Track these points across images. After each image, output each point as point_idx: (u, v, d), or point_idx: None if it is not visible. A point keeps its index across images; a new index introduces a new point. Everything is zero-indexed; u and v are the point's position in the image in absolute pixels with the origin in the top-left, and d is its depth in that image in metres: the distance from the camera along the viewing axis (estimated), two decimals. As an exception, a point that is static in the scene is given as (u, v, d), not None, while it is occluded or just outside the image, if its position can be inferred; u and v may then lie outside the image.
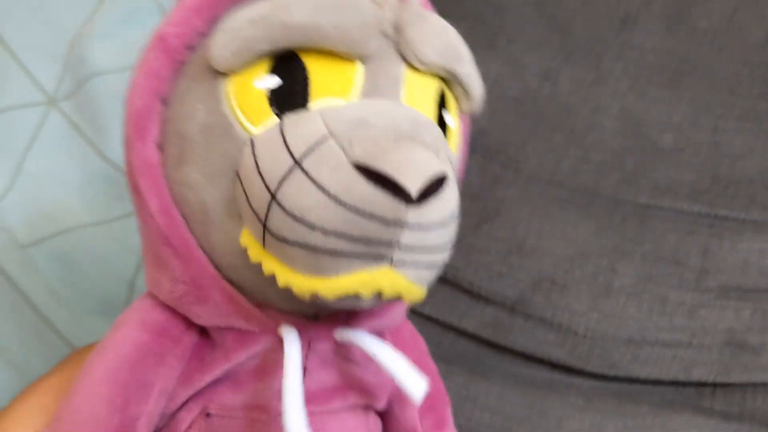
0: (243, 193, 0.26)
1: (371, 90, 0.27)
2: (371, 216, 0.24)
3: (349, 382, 0.31)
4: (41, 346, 0.48)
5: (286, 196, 0.24)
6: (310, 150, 0.24)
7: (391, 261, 0.25)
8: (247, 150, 0.26)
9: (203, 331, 0.30)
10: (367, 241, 0.24)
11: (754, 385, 0.47)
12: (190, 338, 0.29)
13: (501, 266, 0.51)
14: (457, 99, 0.31)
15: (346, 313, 0.30)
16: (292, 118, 0.26)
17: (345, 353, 0.31)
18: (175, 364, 0.29)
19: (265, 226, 0.25)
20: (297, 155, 0.24)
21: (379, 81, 0.27)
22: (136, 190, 0.29)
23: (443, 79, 0.29)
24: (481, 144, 0.55)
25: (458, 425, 0.48)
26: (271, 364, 0.29)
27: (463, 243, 0.52)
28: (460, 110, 0.31)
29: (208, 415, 0.29)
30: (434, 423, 0.37)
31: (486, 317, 0.52)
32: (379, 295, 0.25)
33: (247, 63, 0.26)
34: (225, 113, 0.27)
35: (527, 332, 0.50)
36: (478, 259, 0.52)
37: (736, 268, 0.48)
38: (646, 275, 0.49)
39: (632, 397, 0.48)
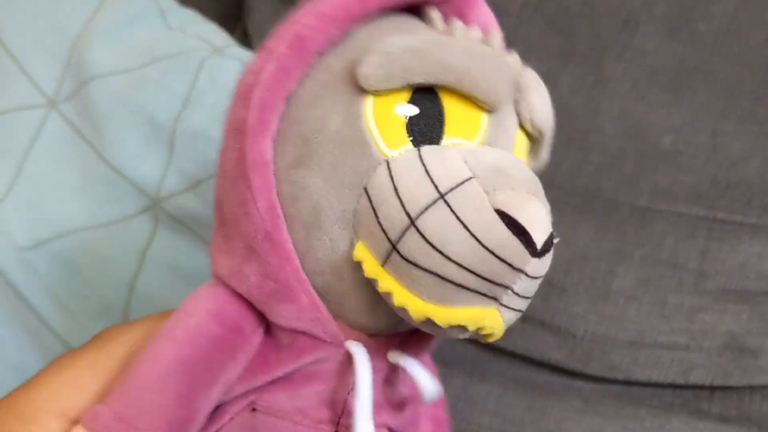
0: (371, 210, 0.27)
1: (491, 140, 0.28)
2: (503, 260, 0.25)
3: (384, 401, 0.32)
4: (39, 349, 0.48)
5: (427, 224, 0.26)
6: (456, 186, 0.26)
7: (500, 304, 0.26)
8: (383, 170, 0.27)
9: (268, 330, 0.30)
10: (492, 281, 0.26)
11: (752, 388, 0.47)
12: (258, 336, 0.30)
13: (500, 269, 0.51)
14: (531, 158, 0.33)
15: (399, 338, 0.31)
16: (432, 151, 0.27)
17: (389, 374, 0.32)
18: (242, 360, 0.29)
19: (395, 247, 0.26)
20: (442, 189, 0.26)
21: (498, 133, 0.29)
22: (243, 179, 0.28)
23: (535, 141, 0.31)
24: (480, 146, 0.55)
25: (458, 428, 0.49)
26: (328, 374, 0.30)
27: (462, 245, 0.53)
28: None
29: (254, 410, 0.30)
30: None
31: (485, 320, 0.52)
32: (479, 331, 0.27)
33: (395, 89, 0.27)
34: (363, 129, 0.28)
35: (526, 335, 0.51)
36: (477, 261, 0.52)
37: (735, 271, 0.48)
38: (645, 278, 0.49)
39: (631, 399, 0.48)
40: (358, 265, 0.28)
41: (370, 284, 0.28)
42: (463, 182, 0.26)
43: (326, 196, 0.28)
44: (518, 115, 0.30)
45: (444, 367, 0.50)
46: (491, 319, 0.26)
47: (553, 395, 0.48)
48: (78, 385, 0.31)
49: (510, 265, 0.25)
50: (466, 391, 0.49)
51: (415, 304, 0.26)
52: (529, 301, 0.28)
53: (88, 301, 0.51)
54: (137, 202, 0.53)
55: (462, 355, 0.52)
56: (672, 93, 0.52)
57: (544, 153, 0.33)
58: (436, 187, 0.26)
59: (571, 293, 0.49)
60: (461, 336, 0.28)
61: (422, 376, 0.31)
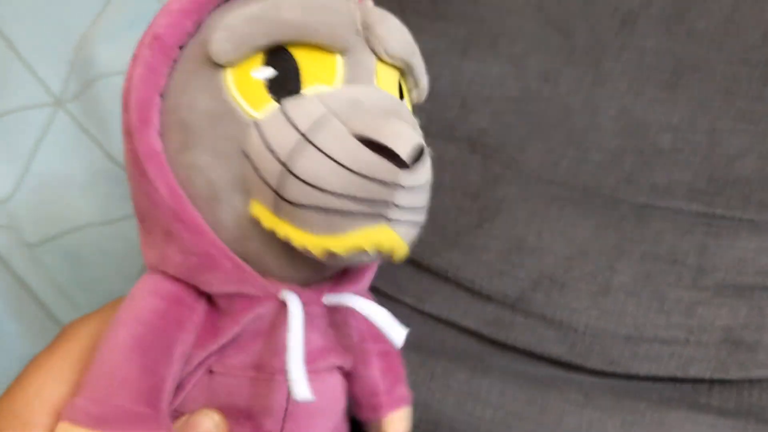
0: (252, 169, 0.30)
1: (351, 78, 0.31)
2: (374, 179, 0.28)
3: (331, 344, 0.35)
4: (47, 343, 0.49)
5: (299, 166, 0.28)
6: (316, 126, 0.29)
7: (388, 220, 0.29)
8: (253, 131, 0.30)
9: (210, 301, 0.33)
10: (370, 201, 0.28)
11: (750, 382, 0.48)
12: (201, 306, 0.32)
13: (501, 265, 0.52)
14: (409, 90, 0.35)
15: (331, 280, 0.34)
16: (291, 102, 0.30)
17: (329, 318, 0.35)
18: (192, 329, 0.32)
19: (278, 194, 0.29)
20: (303, 130, 0.29)
21: (357, 71, 0.31)
22: (142, 175, 0.31)
23: (400, 72, 0.34)
24: (481, 143, 0.56)
25: (461, 421, 0.49)
26: (271, 326, 0.32)
27: (463, 242, 0.53)
28: (411, 100, 0.36)
29: (210, 372, 0.33)
30: (392, 380, 0.41)
31: (487, 315, 0.52)
32: (379, 249, 0.29)
33: (245, 56, 0.30)
34: (227, 100, 0.30)
35: (528, 330, 0.51)
36: (478, 257, 0.52)
37: (733, 267, 0.48)
38: (644, 273, 0.49)
39: (631, 393, 0.48)
40: (255, 223, 0.30)
41: (270, 237, 0.30)
42: (320, 119, 0.29)
43: (215, 169, 0.30)
44: (373, 50, 0.32)
45: (447, 362, 0.51)
46: (385, 236, 0.29)
47: (554, 389, 0.49)
48: (60, 380, 0.32)
49: (382, 181, 0.28)
50: (469, 385, 0.50)
51: (311, 241, 0.29)
52: (421, 211, 0.31)
53: (96, 295, 0.51)
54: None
55: (464, 349, 0.53)
56: (670, 91, 0.53)
57: (422, 80, 0.35)
58: (297, 129, 0.29)
59: (571, 289, 0.50)
60: (367, 260, 0.31)
61: (361, 303, 0.33)
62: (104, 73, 0.56)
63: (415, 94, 0.36)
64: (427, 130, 0.57)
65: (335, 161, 0.28)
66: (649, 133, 0.52)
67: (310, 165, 0.28)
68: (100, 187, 0.55)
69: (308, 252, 0.29)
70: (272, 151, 0.29)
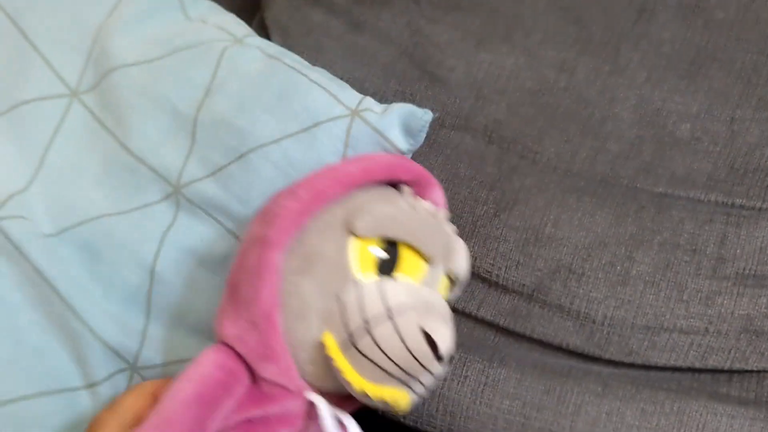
0: (339, 311, 0.41)
1: (428, 281, 0.44)
2: (420, 363, 0.40)
3: None
4: (64, 334, 0.49)
5: (377, 333, 0.40)
6: (399, 310, 0.40)
7: (410, 388, 0.41)
8: (353, 288, 0.41)
9: (254, 381, 0.42)
10: (408, 373, 0.40)
11: (771, 371, 0.48)
12: (247, 382, 0.41)
13: (519, 255, 0.52)
14: (449, 288, 0.47)
15: (337, 398, 0.43)
16: (388, 280, 0.42)
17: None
18: (236, 397, 0.40)
19: (352, 341, 0.40)
20: (390, 306, 0.40)
21: (433, 277, 0.44)
22: (259, 278, 0.41)
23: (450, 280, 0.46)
24: (498, 135, 0.55)
25: (477, 411, 0.49)
26: (295, 417, 0.42)
27: (480, 232, 0.53)
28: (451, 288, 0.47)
29: None
30: None
31: (503, 305, 0.52)
32: (394, 405, 0.41)
33: (372, 237, 0.42)
34: (346, 257, 0.42)
35: (545, 320, 0.51)
36: (495, 247, 0.52)
37: (753, 256, 0.48)
38: (663, 263, 0.49)
39: (649, 383, 0.48)
40: (322, 346, 0.41)
41: (327, 361, 0.40)
42: (405, 309, 0.40)
43: (314, 296, 0.41)
44: (445, 267, 0.44)
45: (464, 352, 0.50)
46: (403, 399, 0.41)
47: (571, 379, 0.49)
48: None
49: (423, 366, 0.40)
50: (486, 375, 0.49)
51: (357, 381, 0.40)
52: (429, 390, 0.43)
53: (112, 285, 0.51)
54: (159, 189, 0.54)
55: (482, 340, 0.53)
56: (689, 80, 0.53)
57: (458, 291, 0.48)
58: (386, 304, 0.40)
59: (589, 279, 0.50)
60: (378, 406, 0.41)
61: (350, 424, 0.43)
62: (120, 64, 0.56)
63: (450, 296, 0.47)
64: (443, 121, 0.57)
65: (402, 340, 0.39)
66: (668, 123, 0.52)
67: (386, 336, 0.40)
68: (115, 177, 0.55)
69: (348, 384, 0.40)
70: (362, 310, 0.40)
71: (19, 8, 0.59)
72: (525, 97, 0.56)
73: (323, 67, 0.59)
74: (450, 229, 0.46)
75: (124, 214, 0.54)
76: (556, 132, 0.54)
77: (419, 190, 0.48)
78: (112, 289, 0.52)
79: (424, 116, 0.51)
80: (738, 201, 0.49)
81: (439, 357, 0.40)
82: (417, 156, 0.56)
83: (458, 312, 0.53)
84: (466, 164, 0.55)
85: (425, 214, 0.45)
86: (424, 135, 0.52)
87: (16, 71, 0.57)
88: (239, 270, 0.43)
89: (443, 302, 0.43)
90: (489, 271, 0.52)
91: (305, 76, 0.54)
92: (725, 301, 0.48)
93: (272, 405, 0.41)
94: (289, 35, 0.64)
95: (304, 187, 0.44)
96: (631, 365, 0.49)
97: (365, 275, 0.42)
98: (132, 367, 0.50)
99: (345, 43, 0.61)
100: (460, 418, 0.49)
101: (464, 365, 0.50)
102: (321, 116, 0.52)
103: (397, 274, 0.42)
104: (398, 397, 0.40)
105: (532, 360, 0.50)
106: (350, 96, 0.53)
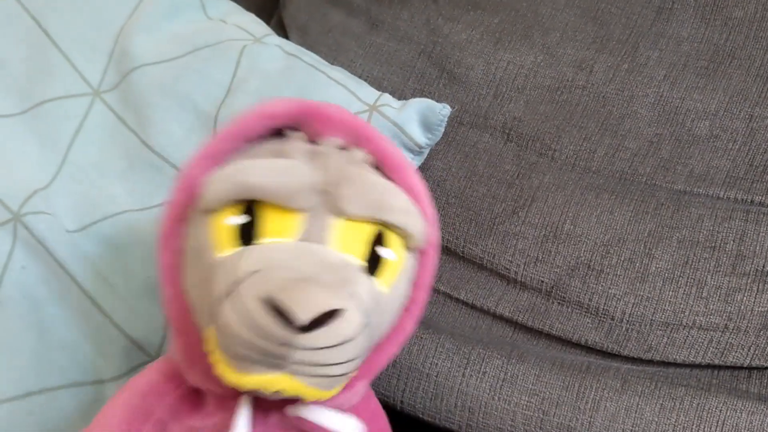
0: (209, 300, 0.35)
1: (305, 235, 0.35)
2: (267, 337, 0.32)
3: None
4: (90, 329, 0.49)
5: (221, 312, 0.33)
6: (241, 281, 0.33)
7: (288, 371, 0.33)
8: (213, 270, 0.35)
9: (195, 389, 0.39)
10: (266, 354, 0.32)
11: (791, 368, 0.48)
12: (187, 387, 0.39)
13: (537, 252, 0.52)
14: (402, 237, 0.37)
15: None
16: (241, 252, 0.34)
17: (298, 424, 0.38)
18: (172, 402, 0.39)
19: (217, 329, 0.34)
20: (231, 284, 0.33)
21: (312, 228, 0.35)
22: (160, 287, 0.39)
23: (385, 226, 0.37)
24: (516, 133, 0.56)
25: (496, 407, 0.49)
26: (230, 425, 0.37)
27: (498, 229, 0.53)
28: (410, 246, 0.38)
29: None
30: None
31: (522, 302, 0.52)
32: (280, 393, 0.33)
33: (221, 206, 0.35)
34: (205, 239, 0.36)
35: (564, 317, 0.51)
36: (514, 244, 0.53)
37: (773, 253, 0.48)
38: (682, 260, 0.49)
39: (668, 380, 0.48)
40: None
41: None
42: (247, 277, 0.33)
43: (197, 291, 0.37)
44: (332, 208, 0.35)
45: (482, 348, 0.51)
46: (285, 383, 0.33)
47: (590, 375, 0.49)
48: None
49: (274, 340, 0.32)
50: (505, 371, 0.50)
51: (226, 373, 0.34)
52: (334, 366, 0.33)
53: (135, 280, 0.52)
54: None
55: (499, 336, 0.53)
56: (708, 78, 0.53)
57: (409, 230, 0.37)
58: (230, 281, 0.33)
59: (608, 275, 0.50)
60: (272, 397, 0.34)
61: (324, 417, 0.37)
62: (141, 63, 0.57)
63: (409, 242, 0.38)
64: (461, 119, 0.57)
65: (240, 316, 0.32)
66: (687, 121, 0.52)
67: (226, 314, 0.33)
68: (137, 174, 0.55)
69: (223, 379, 0.34)
70: (211, 294, 0.34)
71: (42, 9, 0.60)
72: (543, 95, 0.56)
73: (342, 66, 0.60)
74: (341, 161, 0.37)
75: (146, 210, 0.54)
76: (575, 130, 0.55)
77: (319, 127, 0.39)
78: (135, 284, 0.52)
79: (442, 111, 0.52)
80: (757, 198, 0.49)
81: (293, 325, 0.31)
82: (435, 153, 0.56)
83: (477, 309, 0.54)
84: (485, 162, 0.56)
85: (273, 161, 0.36)
86: (442, 129, 0.52)
87: (39, 70, 0.58)
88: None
89: (311, 259, 0.34)
90: (507, 268, 0.53)
91: (324, 73, 0.54)
92: (744, 298, 0.48)
93: (210, 414, 0.38)
94: (308, 35, 0.64)
95: (176, 187, 0.39)
96: (650, 362, 0.49)
97: (227, 252, 0.35)
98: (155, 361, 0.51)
99: (364, 43, 0.61)
100: (479, 413, 0.50)
101: (483, 361, 0.50)
102: (340, 113, 0.52)
103: (261, 239, 0.35)
104: (273, 383, 0.33)
105: (550, 356, 0.51)
106: (368, 92, 0.54)
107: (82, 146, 0.57)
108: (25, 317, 0.49)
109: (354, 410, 0.41)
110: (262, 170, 0.35)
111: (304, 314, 0.31)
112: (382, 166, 0.39)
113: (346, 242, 0.36)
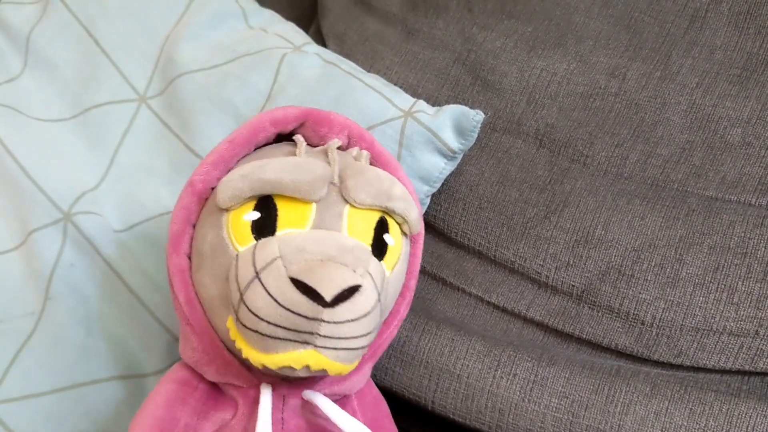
0: (230, 294, 0.38)
1: (319, 223, 0.39)
2: (297, 314, 0.35)
3: (315, 430, 0.42)
4: (136, 325, 0.51)
5: (248, 297, 0.36)
6: (265, 266, 0.36)
7: (315, 346, 0.35)
8: (234, 263, 0.38)
9: (213, 383, 0.42)
10: (295, 331, 0.35)
11: (822, 374, 0.47)
12: (204, 386, 0.42)
13: (568, 256, 0.53)
14: (399, 224, 0.42)
15: (311, 378, 0.40)
16: (262, 242, 0.38)
17: (312, 408, 0.41)
18: (194, 404, 0.41)
19: (237, 316, 0.37)
20: (257, 269, 0.36)
21: (325, 217, 0.39)
22: (171, 286, 0.42)
23: (387, 212, 0.40)
24: (549, 138, 0.57)
25: (527, 409, 0.50)
26: (254, 413, 0.40)
27: (530, 234, 0.54)
28: (406, 231, 0.42)
29: None
30: None
31: (553, 306, 0.53)
32: (308, 368, 0.36)
33: (238, 203, 0.39)
34: (224, 237, 0.39)
35: (594, 321, 0.52)
36: (545, 249, 0.53)
37: (805, 260, 0.48)
38: (713, 266, 0.50)
39: (698, 384, 0.49)
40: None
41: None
42: (271, 262, 0.36)
43: (212, 288, 0.39)
44: (344, 200, 0.39)
45: (512, 351, 0.52)
46: (312, 359, 0.36)
47: (620, 379, 0.49)
48: None
49: (304, 316, 0.35)
50: (536, 374, 0.50)
51: (252, 355, 0.36)
52: (355, 340, 0.36)
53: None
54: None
55: (530, 339, 0.54)
56: (740, 86, 0.53)
57: (407, 217, 0.41)
58: (255, 268, 0.36)
59: (639, 280, 0.51)
60: (299, 375, 0.37)
61: (326, 406, 0.40)
62: (186, 70, 0.59)
63: (406, 228, 0.42)
64: (494, 125, 0.58)
65: (270, 296, 0.35)
66: (719, 128, 0.53)
67: (254, 297, 0.36)
68: (181, 176, 0.57)
69: (250, 363, 0.37)
70: (237, 282, 0.37)
71: (93, 18, 0.62)
72: (576, 102, 0.57)
73: (378, 73, 0.61)
74: (347, 158, 0.42)
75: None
76: (607, 136, 0.55)
77: (321, 130, 0.44)
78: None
79: (475, 117, 0.53)
80: (790, 205, 0.50)
81: (321, 301, 0.35)
82: (469, 159, 0.57)
83: (508, 312, 0.55)
84: (518, 167, 0.57)
85: (286, 159, 0.40)
86: (475, 135, 0.54)
87: (89, 77, 0.61)
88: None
89: (332, 241, 0.38)
90: (539, 272, 0.53)
91: (361, 80, 0.56)
92: (776, 305, 0.48)
93: (232, 404, 0.41)
94: (345, 43, 0.66)
95: (186, 187, 0.42)
96: (680, 366, 0.50)
97: (245, 246, 0.38)
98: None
99: (400, 51, 0.63)
100: (509, 415, 0.50)
101: (513, 363, 0.51)
102: (375, 119, 0.54)
103: (279, 230, 0.38)
104: (301, 359, 0.36)
105: (580, 360, 0.51)
106: (403, 99, 0.55)
107: (128, 149, 0.59)
108: (74, 312, 0.51)
109: (360, 394, 0.45)
110: (279, 167, 0.39)
111: (330, 291, 0.35)
112: (375, 163, 0.44)
113: (356, 228, 0.39)
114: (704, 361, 0.49)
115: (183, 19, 0.62)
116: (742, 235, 0.50)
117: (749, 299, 0.49)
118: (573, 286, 0.52)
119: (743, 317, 0.48)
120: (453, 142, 0.53)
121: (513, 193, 0.56)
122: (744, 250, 0.49)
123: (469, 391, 0.51)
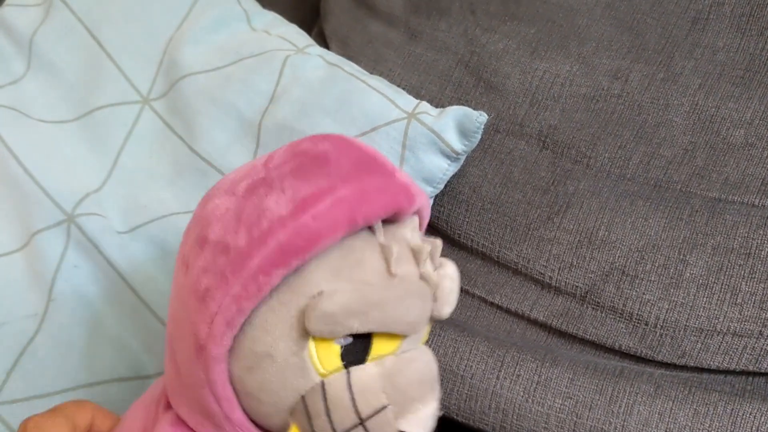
0: (306, 415, 0.34)
1: (407, 347, 0.36)
2: None
3: None
4: (137, 326, 0.52)
5: None
6: (373, 414, 0.34)
7: None
8: (318, 389, 0.34)
9: None
10: None
11: (827, 375, 0.47)
12: None
13: (572, 257, 0.53)
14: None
15: None
16: (357, 376, 0.34)
17: None
18: None
19: None
20: (362, 415, 0.34)
21: (414, 341, 0.36)
22: (204, 370, 0.34)
23: None
24: (552, 140, 0.57)
25: (530, 409, 0.50)
26: None
27: (534, 235, 0.54)
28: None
29: None
30: None
31: (556, 307, 0.53)
32: None
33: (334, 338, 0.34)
34: (305, 358, 0.34)
35: (597, 321, 0.52)
36: (549, 250, 0.53)
37: (809, 260, 0.48)
38: (716, 266, 0.50)
39: (702, 385, 0.49)
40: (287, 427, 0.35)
41: None
42: (379, 410, 0.34)
43: (270, 393, 0.34)
44: (432, 318, 0.36)
45: (516, 352, 0.52)
46: None
47: (623, 379, 0.49)
48: None
49: None
50: (539, 375, 0.50)
51: None
52: None
53: (181, 281, 0.54)
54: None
55: (533, 340, 0.54)
56: (743, 87, 0.53)
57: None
58: (358, 413, 0.34)
59: (642, 281, 0.51)
60: None
61: None
62: (189, 72, 0.59)
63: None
64: (497, 126, 0.59)
65: None
66: (722, 129, 0.53)
67: None
68: (184, 179, 0.58)
69: None
70: (329, 414, 0.34)
71: (96, 20, 0.62)
72: (579, 103, 0.57)
73: (382, 75, 0.61)
74: (432, 267, 0.37)
75: (192, 213, 0.56)
76: (610, 137, 0.55)
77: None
78: (180, 285, 0.54)
79: (478, 118, 0.53)
80: (793, 206, 0.50)
81: None
82: (472, 160, 0.57)
83: (511, 313, 0.55)
84: (521, 168, 0.57)
85: (404, 274, 0.35)
86: (478, 136, 0.54)
87: (92, 79, 0.61)
88: (177, 340, 0.36)
89: (427, 368, 0.36)
90: (542, 273, 0.54)
91: (364, 82, 0.56)
92: (780, 305, 0.48)
93: None
94: (348, 45, 0.66)
95: (239, 272, 0.33)
96: (684, 367, 0.50)
97: (330, 370, 0.34)
98: None
99: (403, 53, 0.63)
100: (513, 415, 0.50)
101: (517, 364, 0.51)
102: (379, 120, 0.54)
103: (370, 359, 0.35)
104: None
105: (584, 360, 0.51)
106: (407, 100, 0.55)
107: (131, 151, 0.59)
108: (77, 313, 0.51)
109: None
110: (393, 296, 0.34)
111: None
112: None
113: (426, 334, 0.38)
114: (708, 362, 0.49)
115: (186, 22, 0.62)
116: (746, 235, 0.50)
117: (753, 300, 0.49)
118: (576, 287, 0.52)
119: (747, 318, 0.48)
120: (456, 144, 0.53)
121: (516, 194, 0.56)
122: (747, 251, 0.49)
123: (472, 392, 0.51)
